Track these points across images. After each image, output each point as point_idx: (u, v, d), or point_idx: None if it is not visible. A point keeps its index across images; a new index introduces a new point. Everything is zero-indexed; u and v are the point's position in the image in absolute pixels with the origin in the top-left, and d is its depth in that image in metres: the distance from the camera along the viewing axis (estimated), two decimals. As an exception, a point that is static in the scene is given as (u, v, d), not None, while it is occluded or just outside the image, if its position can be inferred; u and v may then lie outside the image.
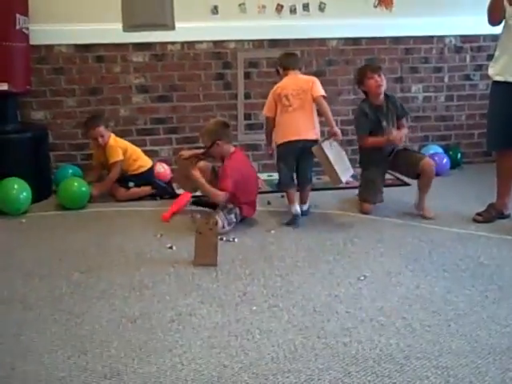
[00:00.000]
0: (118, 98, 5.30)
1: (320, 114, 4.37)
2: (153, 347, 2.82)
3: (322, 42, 5.49)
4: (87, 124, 4.93)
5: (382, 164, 4.56)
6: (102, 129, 4.87)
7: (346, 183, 4.67)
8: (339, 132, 4.33)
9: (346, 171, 4.37)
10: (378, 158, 4.52)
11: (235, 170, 4.18)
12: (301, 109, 4.30)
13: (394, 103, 4.57)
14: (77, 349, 2.81)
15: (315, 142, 4.26)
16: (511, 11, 4.02)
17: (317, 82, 4.38)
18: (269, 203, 4.72)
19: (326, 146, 4.23)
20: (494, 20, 4.11)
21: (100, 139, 4.85)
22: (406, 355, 2.75)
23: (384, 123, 4.48)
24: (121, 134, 5.15)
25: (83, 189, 4.69)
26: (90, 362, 2.71)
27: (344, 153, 4.48)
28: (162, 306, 3.21)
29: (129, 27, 5.17)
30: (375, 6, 5.43)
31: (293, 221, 4.32)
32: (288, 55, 4.62)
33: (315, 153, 4.24)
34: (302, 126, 4.28)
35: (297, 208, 4.36)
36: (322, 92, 4.34)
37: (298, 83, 4.35)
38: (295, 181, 4.48)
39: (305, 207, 4.50)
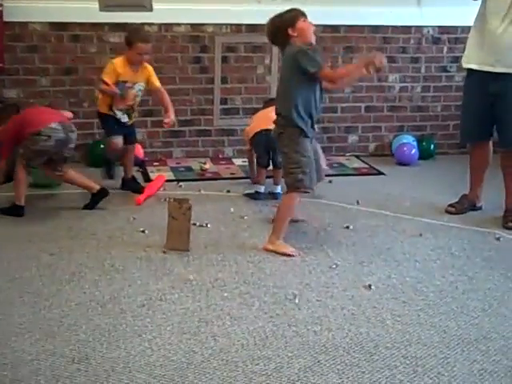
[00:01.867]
0: (93, 78, 5.22)
1: None
2: (122, 332, 2.80)
3: (301, 28, 5.45)
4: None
5: None
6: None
7: None
8: None
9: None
10: None
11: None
12: None
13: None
14: (45, 332, 2.78)
15: None
16: None
17: None
18: (228, 191, 4.70)
19: None
20: None
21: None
22: (376, 344, 2.77)
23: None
24: (95, 116, 5.07)
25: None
26: (58, 346, 2.68)
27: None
28: (132, 290, 3.18)
29: (105, 7, 5.05)
30: None
31: (253, 195, 4.53)
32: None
33: None
34: None
35: (261, 188, 4.55)
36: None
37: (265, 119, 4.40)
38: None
39: (276, 189, 4.55)
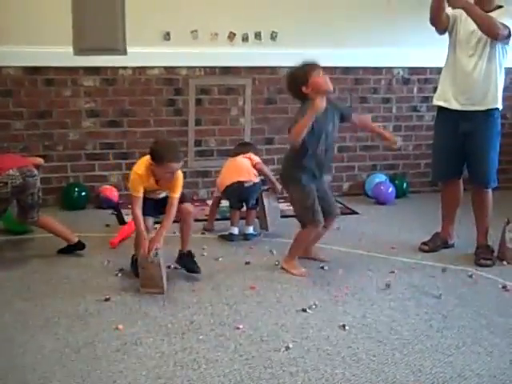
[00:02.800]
0: (67, 122, 5.25)
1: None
2: (96, 377, 2.77)
3: (274, 70, 5.55)
4: None
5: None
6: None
7: None
8: (278, 188, 4.64)
9: (274, 222, 4.71)
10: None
11: None
12: None
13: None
14: (18, 380, 2.74)
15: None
16: (454, 22, 4.08)
17: (253, 156, 4.68)
18: (203, 233, 4.72)
19: (265, 195, 4.67)
20: (434, 20, 4.06)
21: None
22: (352, 385, 2.77)
23: (329, 127, 3.94)
24: (69, 159, 5.09)
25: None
26: (31, 394, 2.65)
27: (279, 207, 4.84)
28: (107, 334, 3.16)
29: (80, 51, 5.14)
30: None
31: (227, 236, 4.57)
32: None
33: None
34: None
35: (235, 229, 4.60)
36: (257, 160, 4.67)
37: (237, 169, 4.62)
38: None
39: (248, 230, 4.61)
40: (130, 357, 2.95)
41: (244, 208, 4.68)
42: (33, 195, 4.08)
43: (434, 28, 4.13)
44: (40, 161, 4.37)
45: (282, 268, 4.03)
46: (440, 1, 3.98)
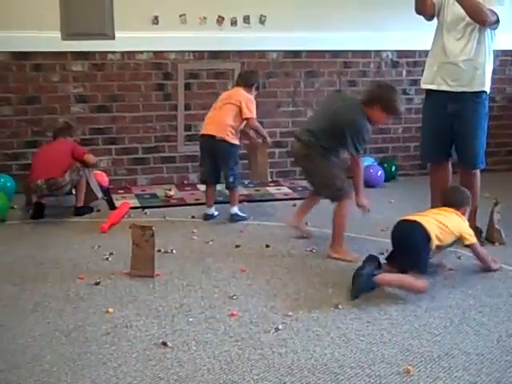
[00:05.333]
0: (55, 107, 5.23)
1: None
2: (87, 360, 2.79)
3: (262, 54, 5.54)
4: None
5: None
6: None
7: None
8: (269, 142, 4.83)
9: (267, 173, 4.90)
10: None
11: None
12: (220, 109, 4.61)
13: None
14: (9, 363, 2.75)
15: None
16: (440, 6, 4.10)
17: (251, 103, 4.60)
18: (193, 217, 4.72)
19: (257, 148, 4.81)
20: (420, 8, 4.08)
21: None
22: (341, 365, 2.79)
23: None
24: (58, 144, 5.06)
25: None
26: (22, 377, 2.66)
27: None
28: (97, 318, 3.17)
29: (68, 35, 5.12)
30: None
31: (204, 216, 4.66)
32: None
33: (260, 147, 4.77)
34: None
35: (207, 210, 4.67)
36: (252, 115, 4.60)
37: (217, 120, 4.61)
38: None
39: (232, 210, 4.63)
40: (121, 339, 2.97)
41: (219, 187, 4.74)
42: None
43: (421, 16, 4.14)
44: (92, 160, 4.71)
45: (333, 257, 3.95)
46: None
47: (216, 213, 4.68)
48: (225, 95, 4.69)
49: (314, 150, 3.97)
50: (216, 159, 4.57)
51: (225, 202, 4.78)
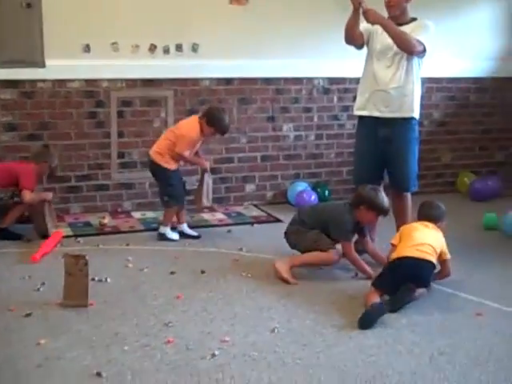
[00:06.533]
0: (-15, 135, 5.12)
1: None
2: (17, 394, 2.71)
3: (195, 81, 5.56)
4: None
5: None
6: None
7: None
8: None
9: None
10: None
11: None
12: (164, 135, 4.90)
13: None
14: None
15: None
16: (368, 36, 4.23)
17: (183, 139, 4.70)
18: (127, 245, 4.67)
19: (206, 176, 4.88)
20: (349, 39, 4.23)
21: None
22: (277, 388, 2.80)
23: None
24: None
25: None
26: (-52, 414, 2.57)
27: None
28: (28, 350, 3.08)
29: (-3, 63, 5.03)
30: (230, 3, 5.53)
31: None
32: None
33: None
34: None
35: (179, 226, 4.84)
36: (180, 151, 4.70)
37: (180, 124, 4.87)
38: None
39: (185, 229, 4.84)
40: (53, 372, 2.90)
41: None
42: None
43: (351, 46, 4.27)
44: (25, 198, 4.63)
45: (276, 268, 4.02)
46: (356, 19, 4.13)
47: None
48: (178, 123, 4.95)
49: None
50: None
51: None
